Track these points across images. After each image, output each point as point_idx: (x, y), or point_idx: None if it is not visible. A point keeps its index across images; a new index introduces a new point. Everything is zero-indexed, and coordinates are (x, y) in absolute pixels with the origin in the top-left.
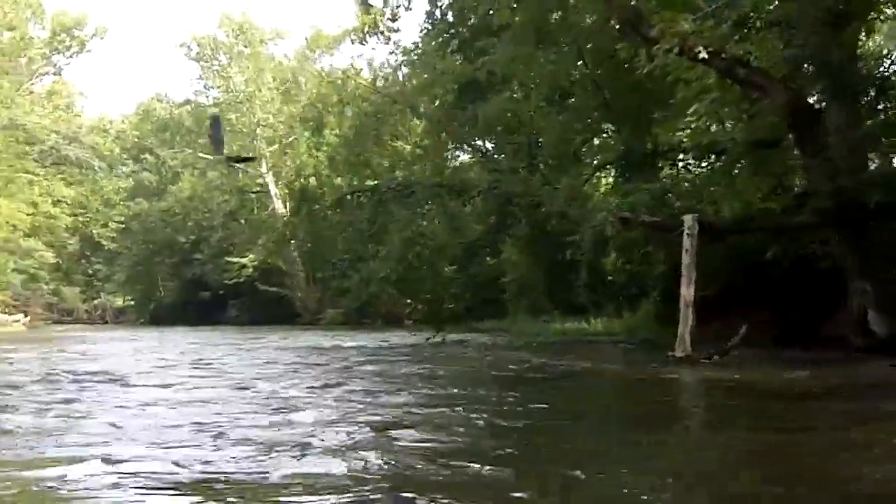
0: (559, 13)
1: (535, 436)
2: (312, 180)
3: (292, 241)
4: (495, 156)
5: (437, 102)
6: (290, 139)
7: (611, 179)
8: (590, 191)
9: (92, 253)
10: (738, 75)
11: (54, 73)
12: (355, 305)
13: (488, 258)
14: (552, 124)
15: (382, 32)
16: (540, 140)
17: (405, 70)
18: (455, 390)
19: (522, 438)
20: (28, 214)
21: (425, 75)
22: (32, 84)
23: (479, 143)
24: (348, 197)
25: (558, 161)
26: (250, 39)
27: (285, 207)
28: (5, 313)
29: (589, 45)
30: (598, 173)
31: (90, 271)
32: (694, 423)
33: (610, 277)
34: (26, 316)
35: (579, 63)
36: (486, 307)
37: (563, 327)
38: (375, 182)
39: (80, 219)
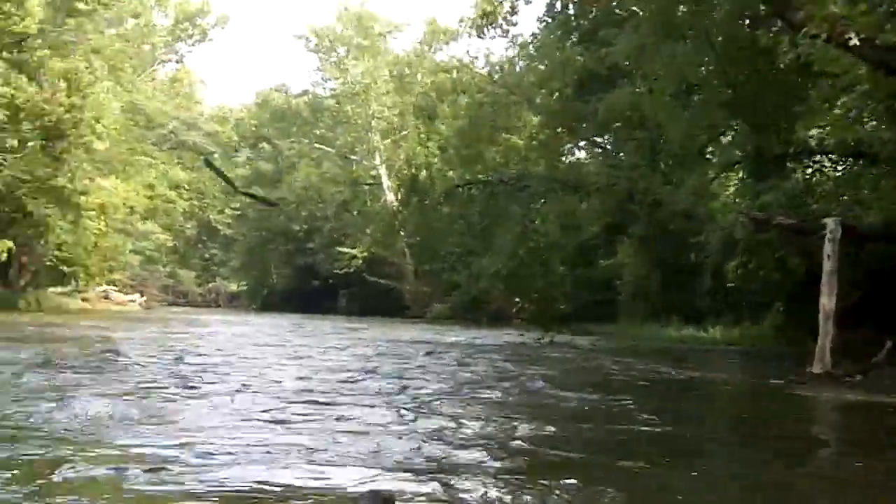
0: (690, 1)
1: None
2: (423, 172)
3: (401, 233)
4: (614, 152)
5: (554, 96)
6: (404, 133)
7: (738, 179)
8: (716, 190)
9: (208, 238)
10: (892, 66)
11: (176, 61)
12: (464, 301)
13: (602, 258)
14: (676, 120)
15: (500, 25)
16: (662, 136)
17: (522, 62)
18: (573, 399)
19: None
20: (146, 197)
21: (543, 67)
22: (154, 70)
23: (598, 138)
24: (459, 189)
25: (682, 159)
26: (368, 32)
27: (397, 200)
28: (123, 293)
29: (720, 37)
30: (724, 172)
31: (206, 256)
32: (845, 457)
33: (731, 283)
34: (142, 296)
35: (708, 55)
36: (598, 309)
37: (678, 334)
38: (488, 175)
39: (198, 204)
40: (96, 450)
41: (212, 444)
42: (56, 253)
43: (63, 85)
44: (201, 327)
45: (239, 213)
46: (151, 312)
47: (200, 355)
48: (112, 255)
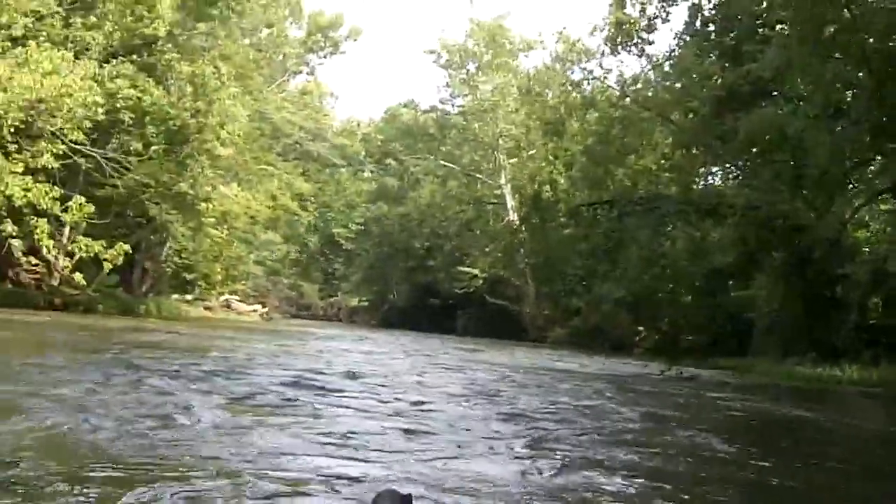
0: (845, 12)
1: None
2: (547, 189)
3: (522, 253)
4: (752, 175)
5: (690, 115)
6: (531, 152)
7: (890, 207)
8: (865, 219)
9: (331, 252)
10: None
11: (307, 73)
12: (585, 327)
13: (735, 288)
14: (823, 142)
15: (636, 43)
16: (806, 159)
17: (657, 79)
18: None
19: None
20: (268, 207)
21: (680, 84)
22: (285, 81)
23: (735, 160)
24: (584, 209)
25: (826, 184)
26: (499, 48)
27: (519, 219)
28: (246, 303)
29: (874, 54)
30: (874, 200)
31: (330, 269)
32: None
33: (873, 321)
34: (264, 307)
35: (860, 74)
36: (728, 342)
37: (813, 372)
38: (615, 195)
39: (322, 218)
40: None
41: None
42: (176, 259)
43: (189, 89)
44: (328, 341)
45: (362, 227)
46: (274, 324)
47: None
48: (234, 265)
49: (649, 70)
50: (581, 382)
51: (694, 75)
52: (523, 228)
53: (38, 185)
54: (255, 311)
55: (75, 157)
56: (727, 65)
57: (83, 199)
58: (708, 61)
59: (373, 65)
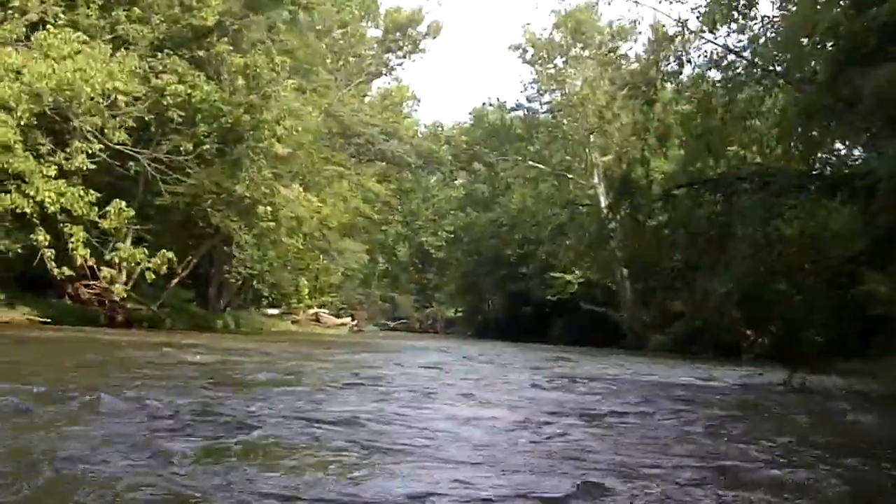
0: None
1: None
2: (638, 168)
3: (612, 247)
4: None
5: (809, 73)
6: (625, 149)
7: None
8: None
9: (422, 262)
10: None
11: (386, 74)
12: (687, 331)
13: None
14: None
15: (737, 20)
16: None
17: (770, 32)
18: None
19: None
20: (341, 211)
21: (797, 38)
22: (362, 83)
23: (864, 124)
24: (683, 190)
25: None
26: (588, 41)
27: (608, 208)
28: (336, 316)
29: None
30: None
31: (423, 280)
32: None
33: None
34: (353, 320)
35: None
36: (855, 343)
37: None
38: (719, 172)
39: (411, 227)
40: None
41: None
42: (241, 269)
43: (242, 82)
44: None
45: (452, 235)
46: (359, 337)
47: None
48: (320, 276)
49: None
50: (697, 399)
51: (816, 23)
52: (611, 216)
53: (71, 188)
54: (343, 324)
55: (122, 163)
56: (851, 13)
57: (123, 204)
58: (829, 9)
59: (454, 64)
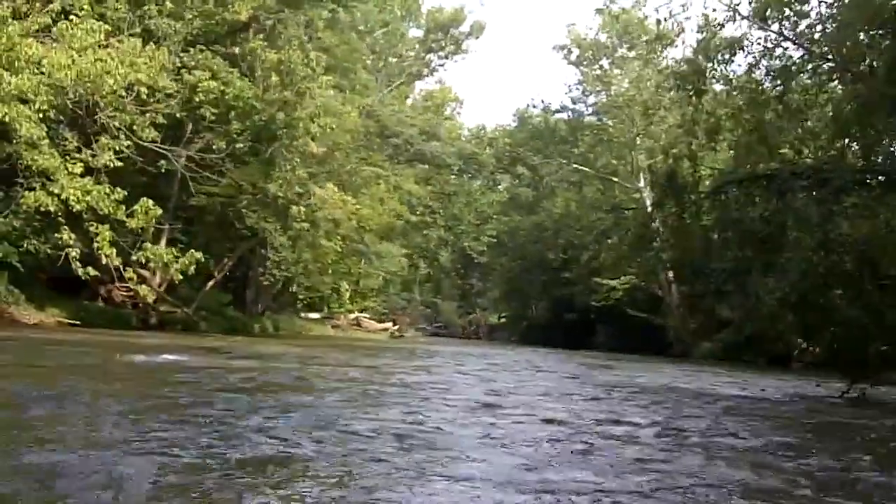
0: None
1: None
2: (685, 162)
3: (656, 247)
4: None
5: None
6: (673, 151)
7: None
8: None
9: (465, 267)
10: None
11: (428, 75)
12: (737, 339)
13: None
14: None
15: (788, 17)
16: None
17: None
18: None
19: None
20: (378, 213)
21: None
22: (404, 84)
23: None
24: (734, 186)
25: None
26: (635, 41)
27: (652, 209)
28: (377, 321)
29: None
30: None
31: (466, 285)
32: None
33: None
34: (395, 325)
35: None
36: None
37: None
38: (773, 167)
39: (453, 231)
40: None
41: None
42: (275, 272)
43: (275, 79)
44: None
45: (495, 240)
46: (401, 342)
47: None
48: (360, 280)
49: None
50: (755, 413)
51: (873, 14)
52: (656, 214)
53: (97, 186)
54: (385, 329)
55: (154, 162)
56: None
57: (150, 203)
58: None
59: (496, 65)
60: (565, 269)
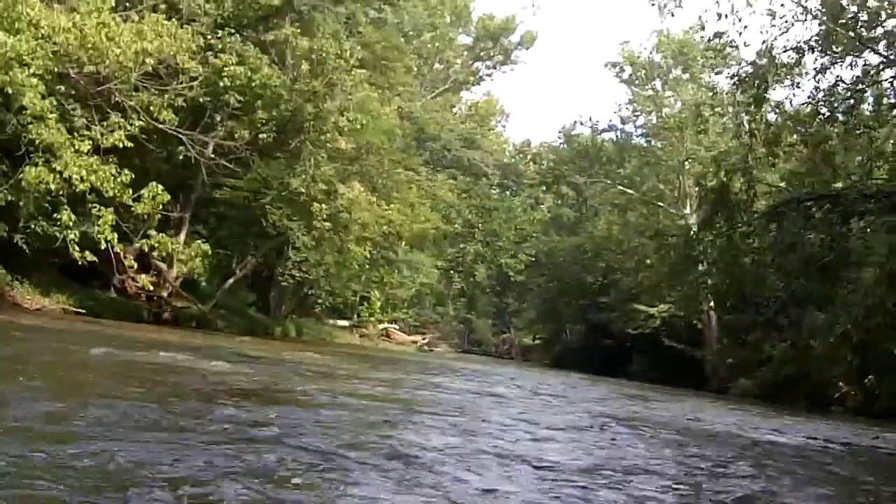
0: None
1: None
2: (738, 178)
3: (708, 284)
4: None
5: None
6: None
7: None
8: None
9: (501, 285)
10: None
11: (475, 83)
12: (777, 378)
13: None
14: None
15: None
16: None
17: None
18: None
19: None
20: (410, 221)
21: None
22: (448, 90)
23: None
24: (793, 206)
25: None
26: (690, 62)
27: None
28: (406, 333)
29: None
30: None
31: (503, 303)
32: None
33: None
34: (424, 339)
35: None
36: None
37: None
38: (839, 187)
39: (491, 247)
40: None
41: None
42: (294, 272)
43: (306, 67)
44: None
45: (533, 259)
46: (427, 357)
47: None
48: (385, 286)
49: None
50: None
51: None
52: (702, 235)
53: (104, 166)
54: (414, 342)
55: (173, 148)
56: None
57: (159, 188)
58: None
59: (545, 79)
60: (603, 294)
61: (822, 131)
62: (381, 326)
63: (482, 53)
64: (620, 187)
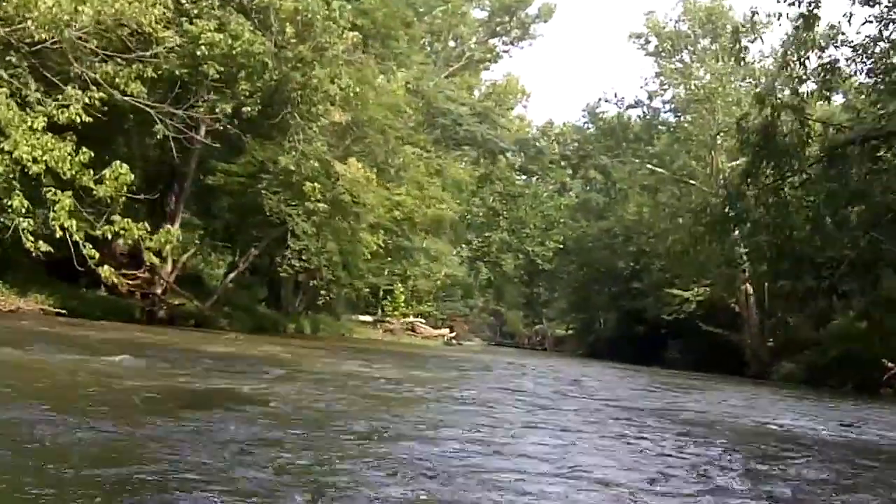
0: None
1: None
2: (788, 116)
3: (737, 236)
4: None
5: None
6: (771, 99)
7: None
8: None
9: (529, 274)
10: None
11: (491, 61)
12: (823, 360)
13: None
14: None
15: None
16: None
17: None
18: None
19: None
20: (420, 202)
21: None
22: (463, 67)
23: None
24: (856, 147)
25: None
26: (720, 32)
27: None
28: (434, 327)
29: None
30: None
31: (533, 294)
32: None
33: None
34: (452, 332)
35: None
36: None
37: None
38: None
39: (517, 235)
40: None
41: None
42: (294, 262)
43: (291, 31)
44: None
45: (561, 246)
46: (450, 350)
47: None
48: (402, 278)
49: None
50: None
51: None
52: (744, 191)
53: (59, 144)
54: (441, 335)
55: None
56: None
57: (124, 168)
58: None
59: (565, 56)
60: (635, 280)
61: (888, 58)
62: (407, 320)
63: (498, 28)
64: (649, 166)
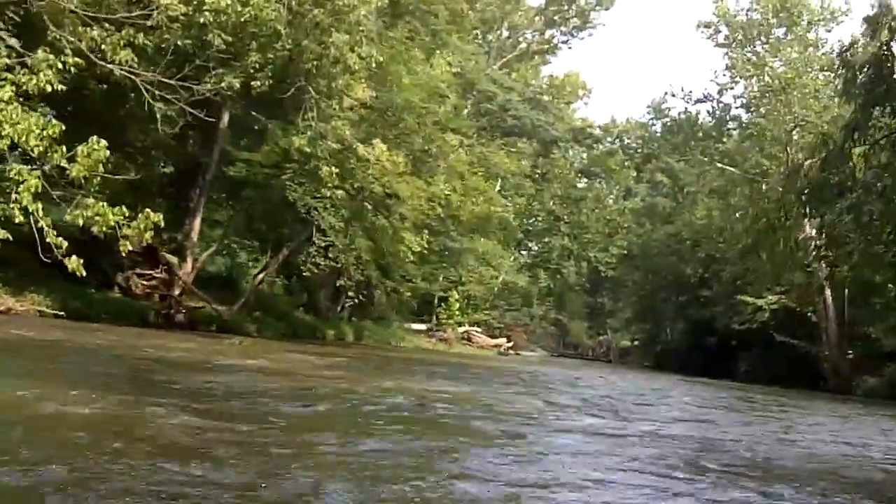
0: None
1: None
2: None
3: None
4: None
5: None
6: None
7: None
8: None
9: (592, 282)
10: None
11: (548, 52)
12: None
13: None
14: None
15: None
16: None
17: None
18: None
19: None
20: (463, 195)
21: None
22: (518, 60)
23: None
24: None
25: None
26: (795, 20)
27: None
28: (489, 336)
29: None
30: None
31: (597, 303)
32: None
33: None
34: (509, 341)
35: None
36: None
37: None
38: None
39: (579, 241)
40: None
41: None
42: (318, 260)
43: None
44: None
45: (625, 252)
46: (508, 361)
47: None
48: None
49: None
50: None
51: None
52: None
53: (25, 114)
54: (497, 345)
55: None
56: None
57: (101, 143)
58: None
59: (628, 49)
60: (704, 287)
61: None
62: (462, 329)
63: (556, 17)
64: (719, 165)
